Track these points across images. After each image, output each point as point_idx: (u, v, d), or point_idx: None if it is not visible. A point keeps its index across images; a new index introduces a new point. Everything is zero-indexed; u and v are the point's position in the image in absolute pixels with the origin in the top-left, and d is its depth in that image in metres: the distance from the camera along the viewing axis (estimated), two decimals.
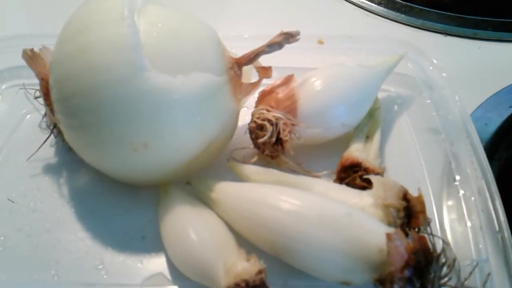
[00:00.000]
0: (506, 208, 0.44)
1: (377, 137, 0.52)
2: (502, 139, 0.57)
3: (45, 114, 0.53)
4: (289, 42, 0.46)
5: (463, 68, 0.68)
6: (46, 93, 0.48)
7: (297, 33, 0.46)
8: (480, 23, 0.75)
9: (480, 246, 0.42)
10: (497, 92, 0.63)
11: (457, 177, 0.48)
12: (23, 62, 0.51)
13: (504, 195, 0.45)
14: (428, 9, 0.79)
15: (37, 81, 0.50)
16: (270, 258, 0.40)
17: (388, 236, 0.36)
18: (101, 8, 0.43)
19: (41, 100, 0.52)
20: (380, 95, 0.57)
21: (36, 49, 0.50)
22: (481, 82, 0.66)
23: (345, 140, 0.52)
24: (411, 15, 0.78)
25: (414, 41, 0.64)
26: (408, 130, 0.57)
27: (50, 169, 0.52)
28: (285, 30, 0.46)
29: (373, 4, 0.81)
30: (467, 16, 0.76)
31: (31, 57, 0.50)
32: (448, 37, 0.75)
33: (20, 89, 0.57)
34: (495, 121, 0.59)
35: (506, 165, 0.55)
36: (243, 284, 0.36)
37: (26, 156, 0.53)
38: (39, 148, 0.53)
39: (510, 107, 0.61)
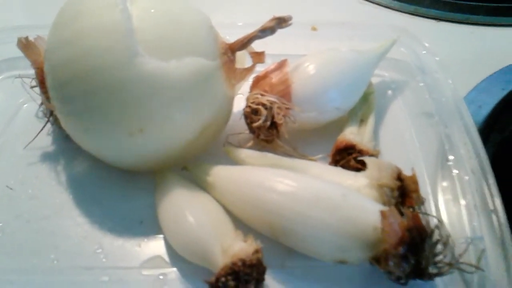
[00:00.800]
0: (500, 189, 0.44)
1: (371, 121, 0.53)
2: (496, 121, 0.57)
3: (42, 103, 0.53)
4: (281, 27, 0.46)
5: (456, 53, 0.68)
6: (41, 81, 0.49)
7: (289, 18, 0.46)
8: (473, 8, 0.75)
9: (475, 224, 0.43)
10: (490, 75, 0.63)
11: (451, 157, 0.48)
12: (19, 54, 0.51)
13: (499, 177, 0.45)
14: None
15: (33, 71, 0.51)
16: (267, 240, 0.40)
17: (382, 213, 0.36)
18: None
19: (37, 89, 0.52)
20: (374, 80, 0.58)
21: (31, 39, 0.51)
22: (474, 66, 0.66)
23: (339, 124, 0.52)
24: (404, 1, 0.78)
25: (407, 27, 0.64)
26: (402, 114, 0.57)
27: (48, 157, 0.52)
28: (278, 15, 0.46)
29: None
30: (459, 2, 0.76)
31: (26, 46, 0.50)
32: (441, 23, 0.75)
33: (16, 78, 0.57)
34: (489, 103, 0.59)
35: (500, 147, 0.55)
36: (239, 263, 0.36)
37: (23, 144, 0.53)
38: (36, 136, 0.53)
39: (503, 89, 0.61)
